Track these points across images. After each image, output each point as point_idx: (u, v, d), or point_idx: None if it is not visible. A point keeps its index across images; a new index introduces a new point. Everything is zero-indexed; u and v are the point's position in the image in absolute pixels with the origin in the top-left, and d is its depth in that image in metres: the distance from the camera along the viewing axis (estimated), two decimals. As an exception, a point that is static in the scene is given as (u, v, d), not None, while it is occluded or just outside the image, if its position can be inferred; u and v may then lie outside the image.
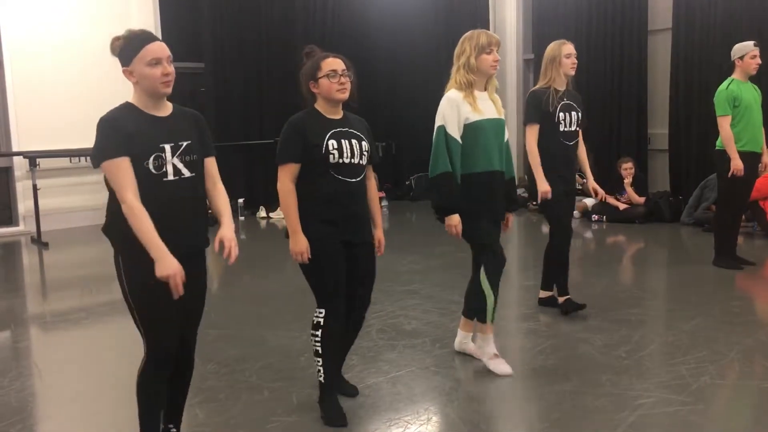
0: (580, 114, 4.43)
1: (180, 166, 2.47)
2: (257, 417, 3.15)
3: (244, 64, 9.27)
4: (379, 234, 3.24)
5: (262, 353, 3.96)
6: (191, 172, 2.51)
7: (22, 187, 8.06)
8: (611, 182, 8.21)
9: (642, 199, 8.07)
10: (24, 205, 8.05)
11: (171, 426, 2.80)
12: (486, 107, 3.50)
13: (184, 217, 2.53)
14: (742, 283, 5.35)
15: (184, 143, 2.49)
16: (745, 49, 5.45)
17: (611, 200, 8.17)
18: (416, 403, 3.27)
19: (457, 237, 3.52)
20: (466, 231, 3.51)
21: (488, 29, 9.92)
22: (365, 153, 3.08)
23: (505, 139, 3.62)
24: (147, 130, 2.43)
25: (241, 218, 8.96)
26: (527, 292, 5.14)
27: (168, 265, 2.36)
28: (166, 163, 2.44)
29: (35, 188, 7.46)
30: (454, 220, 3.46)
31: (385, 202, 9.18)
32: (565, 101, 4.37)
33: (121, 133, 2.37)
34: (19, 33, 7.90)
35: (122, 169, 2.36)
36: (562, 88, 4.39)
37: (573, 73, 4.40)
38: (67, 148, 7.93)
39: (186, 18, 9.43)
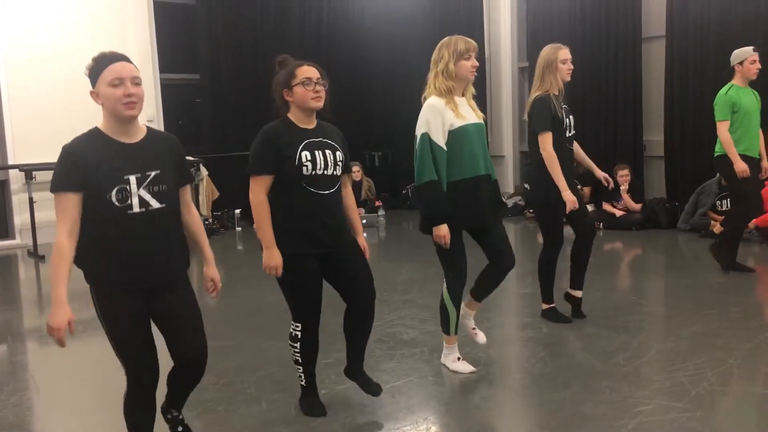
0: (573, 117, 4.46)
1: (147, 197, 2.38)
2: (256, 428, 3.14)
3: (240, 75, 9.29)
4: (361, 241, 3.22)
5: (260, 364, 3.94)
6: (161, 203, 2.41)
7: (18, 200, 8.04)
8: (607, 189, 8.23)
9: (638, 206, 8.09)
10: (20, 218, 8.03)
11: (174, 411, 2.85)
12: (467, 112, 3.53)
13: (152, 250, 2.43)
14: (741, 288, 5.35)
15: (153, 173, 2.39)
16: (745, 54, 5.44)
17: (608, 207, 8.18)
18: (415, 412, 3.26)
19: (446, 246, 3.48)
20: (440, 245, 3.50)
21: (483, 38, 10.04)
22: (339, 163, 3.02)
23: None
24: (111, 160, 2.34)
25: (238, 229, 8.95)
26: (525, 300, 5.14)
27: (54, 318, 2.29)
28: (131, 195, 2.35)
29: (31, 201, 7.45)
30: (443, 230, 3.43)
31: (381, 212, 9.19)
32: (565, 106, 4.37)
33: (78, 166, 2.31)
34: (14, 46, 7.91)
35: (65, 204, 2.33)
36: (556, 92, 4.36)
37: (569, 79, 4.36)
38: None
39: (181, 30, 9.46)
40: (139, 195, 2.37)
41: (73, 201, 2.33)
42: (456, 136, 3.44)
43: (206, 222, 8.72)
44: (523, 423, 3.19)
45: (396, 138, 10.58)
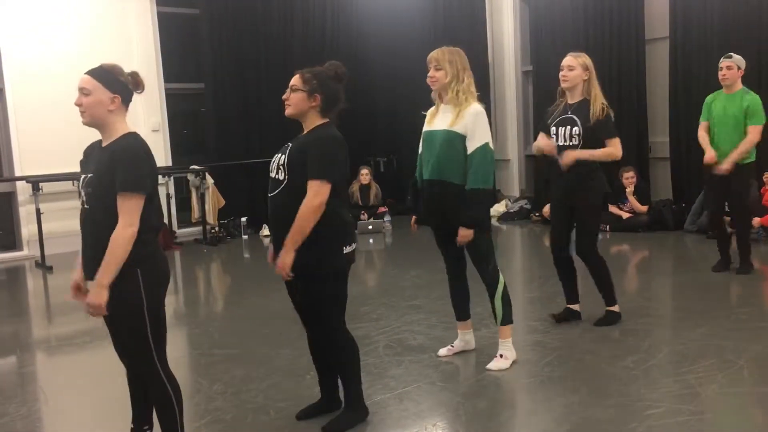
0: (578, 129, 4.23)
1: (84, 196, 2.62)
2: (264, 437, 3.13)
3: (244, 84, 9.32)
4: (282, 257, 2.88)
5: (267, 373, 3.94)
6: (87, 205, 2.60)
7: (25, 212, 8.08)
8: (613, 192, 8.21)
9: (645, 208, 8.06)
10: (27, 229, 8.06)
11: (146, 428, 2.90)
12: (440, 119, 3.67)
13: (85, 243, 2.67)
14: (749, 290, 5.32)
15: (89, 175, 2.60)
16: (719, 63, 5.56)
17: (614, 210, 8.16)
18: (424, 418, 3.25)
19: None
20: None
21: (486, 43, 10.05)
22: (281, 167, 2.94)
23: (470, 152, 3.55)
24: (87, 167, 2.67)
25: (245, 237, 8.96)
26: (532, 305, 5.13)
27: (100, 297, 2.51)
28: (79, 192, 2.66)
29: (38, 212, 7.48)
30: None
31: (387, 217, 9.18)
32: (565, 116, 4.31)
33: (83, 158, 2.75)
34: (20, 57, 7.95)
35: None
36: (571, 100, 4.33)
37: (564, 85, 4.33)
38: (69, 172, 7.92)
39: (185, 39, 9.49)
40: (80, 192, 2.65)
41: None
42: (422, 139, 3.78)
43: (212, 231, 8.74)
44: (532, 428, 3.18)
45: (400, 144, 10.59)
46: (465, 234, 3.58)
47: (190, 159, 9.09)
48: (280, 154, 3.00)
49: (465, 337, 4.11)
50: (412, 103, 10.45)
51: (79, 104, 2.59)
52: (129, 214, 2.49)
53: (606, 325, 4.45)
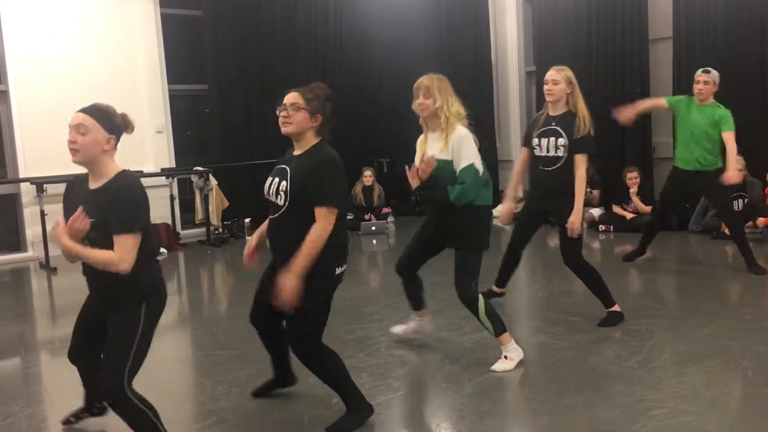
0: (564, 140, 4.31)
1: (86, 241, 2.59)
2: (268, 438, 3.14)
3: (248, 85, 9.32)
4: (289, 281, 2.88)
5: (271, 373, 3.94)
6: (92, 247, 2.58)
7: (29, 213, 8.09)
8: (617, 192, 8.20)
9: (648, 208, 8.04)
10: (32, 230, 8.07)
11: (98, 404, 3.21)
12: (432, 144, 3.78)
13: (92, 284, 2.79)
14: (754, 290, 5.31)
15: (89, 220, 2.57)
16: (695, 76, 5.75)
17: (618, 210, 8.14)
18: (428, 419, 3.25)
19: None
20: None
21: (489, 44, 10.05)
22: (281, 192, 2.99)
23: (458, 173, 3.66)
24: (74, 206, 2.64)
25: (248, 238, 8.96)
26: (536, 305, 5.13)
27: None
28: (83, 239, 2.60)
29: (43, 214, 7.49)
30: None
31: (391, 218, 9.19)
32: (549, 127, 4.39)
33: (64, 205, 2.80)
34: (24, 60, 7.96)
35: None
36: (554, 112, 4.42)
37: (549, 99, 4.40)
38: (73, 173, 7.97)
39: (189, 41, 9.50)
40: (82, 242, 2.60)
41: None
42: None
43: (216, 232, 8.75)
44: (536, 429, 3.17)
45: (404, 145, 10.57)
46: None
47: (193, 160, 9.10)
48: (278, 179, 3.04)
49: (420, 321, 4.36)
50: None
51: (73, 141, 2.59)
52: (126, 251, 2.56)
53: (609, 326, 4.45)
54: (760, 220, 7.10)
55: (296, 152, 3.09)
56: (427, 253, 4.06)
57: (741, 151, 5.87)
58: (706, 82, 5.67)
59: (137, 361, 2.71)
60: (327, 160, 2.98)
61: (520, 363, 3.85)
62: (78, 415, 3.37)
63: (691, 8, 8.03)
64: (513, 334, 4.37)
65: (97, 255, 2.57)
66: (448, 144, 3.64)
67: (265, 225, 3.18)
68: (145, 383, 3.09)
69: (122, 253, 2.55)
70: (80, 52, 8.23)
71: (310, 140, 3.06)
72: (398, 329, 4.37)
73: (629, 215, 8.10)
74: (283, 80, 9.21)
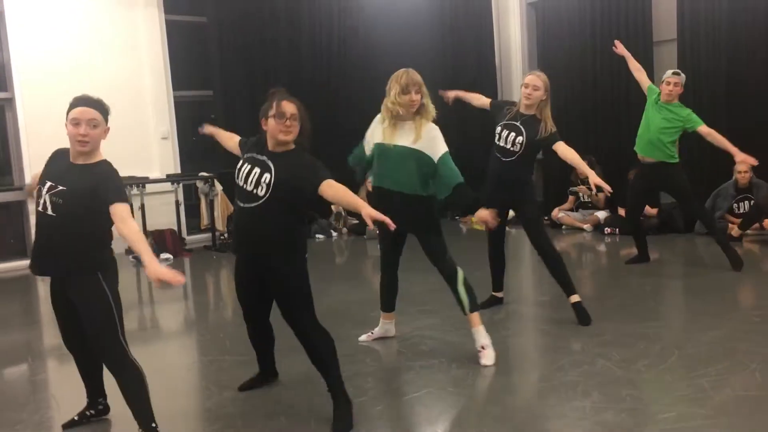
0: (523, 139, 4.60)
1: (48, 204, 2.94)
2: (276, 443, 3.13)
3: (252, 91, 9.32)
4: (371, 213, 3.29)
5: (278, 378, 3.94)
6: (53, 213, 2.94)
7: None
8: (622, 194, 8.17)
9: (655, 211, 8.03)
10: (38, 237, 8.10)
11: (101, 399, 3.43)
12: (402, 136, 3.92)
13: (46, 244, 3.01)
14: (761, 292, 5.29)
15: (60, 188, 2.93)
16: (664, 77, 6.01)
17: (623, 212, 8.12)
18: (436, 423, 3.25)
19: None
20: None
21: (493, 48, 10.05)
22: (263, 184, 3.19)
23: (437, 160, 3.87)
24: (50, 169, 3.04)
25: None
26: (542, 308, 5.12)
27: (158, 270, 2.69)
28: (42, 196, 2.96)
29: (49, 220, 7.52)
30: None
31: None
32: (515, 123, 4.67)
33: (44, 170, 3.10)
34: (30, 67, 8.00)
35: None
36: (524, 111, 4.70)
37: (526, 101, 4.66)
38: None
39: (193, 47, 9.53)
40: (45, 198, 2.95)
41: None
42: (376, 150, 4.02)
43: (221, 237, 8.76)
44: (544, 433, 3.16)
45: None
46: (482, 215, 4.12)
47: (198, 166, 9.12)
48: (259, 169, 3.24)
49: (386, 326, 4.51)
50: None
51: (85, 134, 2.93)
52: (128, 215, 2.90)
53: (581, 318, 4.59)
54: (767, 222, 7.07)
55: (277, 150, 3.31)
56: (397, 251, 4.35)
57: (747, 152, 5.86)
58: (676, 84, 5.94)
59: (122, 324, 3.04)
60: (314, 159, 3.30)
61: (529, 367, 3.84)
62: (82, 416, 3.44)
63: (695, 10, 8.03)
64: (519, 338, 4.37)
65: (142, 244, 2.81)
66: (421, 136, 3.87)
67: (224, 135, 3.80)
68: (151, 388, 3.09)
69: (124, 217, 2.87)
70: (85, 59, 8.27)
71: (291, 145, 3.33)
72: (363, 338, 4.50)
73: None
74: (287, 86, 9.16)
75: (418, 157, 3.88)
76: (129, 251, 8.41)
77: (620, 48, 6.15)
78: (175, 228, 8.57)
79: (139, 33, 8.73)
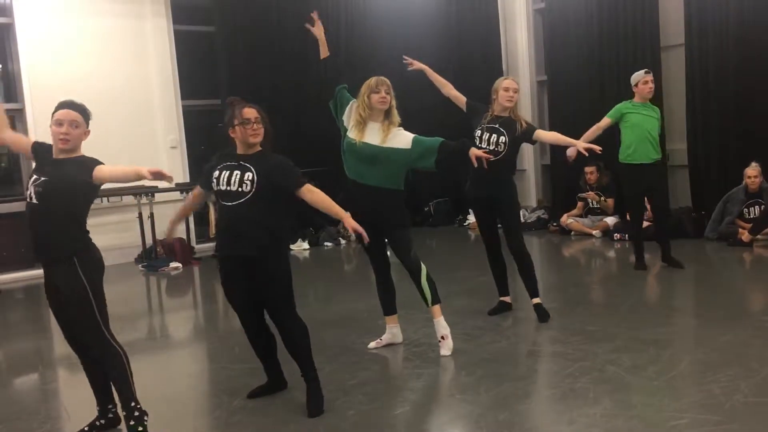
0: (506, 139, 4.84)
1: (33, 193, 3.17)
2: (285, 451, 3.13)
3: (259, 100, 9.27)
4: (350, 223, 3.49)
5: (288, 387, 3.94)
6: (36, 201, 3.16)
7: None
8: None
9: (649, 214, 7.97)
10: (48, 247, 8.15)
11: (111, 407, 3.45)
12: (372, 135, 4.15)
13: (32, 231, 3.23)
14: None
15: (42, 179, 3.16)
16: (638, 78, 6.14)
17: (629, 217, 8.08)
18: (444, 431, 3.23)
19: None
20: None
21: (500, 53, 10.06)
22: (247, 182, 3.43)
23: (413, 138, 4.18)
24: (37, 164, 3.32)
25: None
26: (552, 315, 5.09)
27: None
28: (28, 187, 3.21)
29: (59, 230, 7.56)
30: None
31: (404, 230, 9.18)
32: (494, 126, 4.87)
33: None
34: (39, 76, 8.06)
35: None
36: (500, 114, 4.92)
37: (508, 105, 4.89)
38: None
39: (202, 56, 9.60)
40: (30, 188, 3.18)
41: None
42: (346, 146, 4.25)
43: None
44: (554, 440, 3.15)
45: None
46: (476, 151, 4.20)
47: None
48: (239, 171, 3.46)
49: (392, 330, 4.56)
50: (423, 116, 10.51)
51: (66, 133, 3.17)
52: (113, 172, 3.16)
53: (541, 315, 4.85)
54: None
55: (248, 152, 3.55)
56: (381, 251, 4.45)
57: (758, 157, 5.85)
58: (652, 80, 6.16)
59: (103, 309, 3.21)
60: (284, 158, 3.59)
61: (538, 374, 3.83)
62: (93, 426, 3.45)
63: (702, 14, 8.00)
64: (527, 345, 4.36)
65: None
66: (388, 137, 4.14)
67: (188, 200, 3.93)
68: (161, 396, 3.11)
69: (114, 170, 3.18)
70: (94, 69, 8.33)
71: (258, 146, 3.60)
72: (372, 345, 4.53)
73: (644, 223, 8.03)
74: (295, 93, 9.27)
75: (387, 155, 4.13)
76: (138, 260, 8.46)
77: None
78: (184, 236, 8.60)
79: (147, 43, 8.79)
